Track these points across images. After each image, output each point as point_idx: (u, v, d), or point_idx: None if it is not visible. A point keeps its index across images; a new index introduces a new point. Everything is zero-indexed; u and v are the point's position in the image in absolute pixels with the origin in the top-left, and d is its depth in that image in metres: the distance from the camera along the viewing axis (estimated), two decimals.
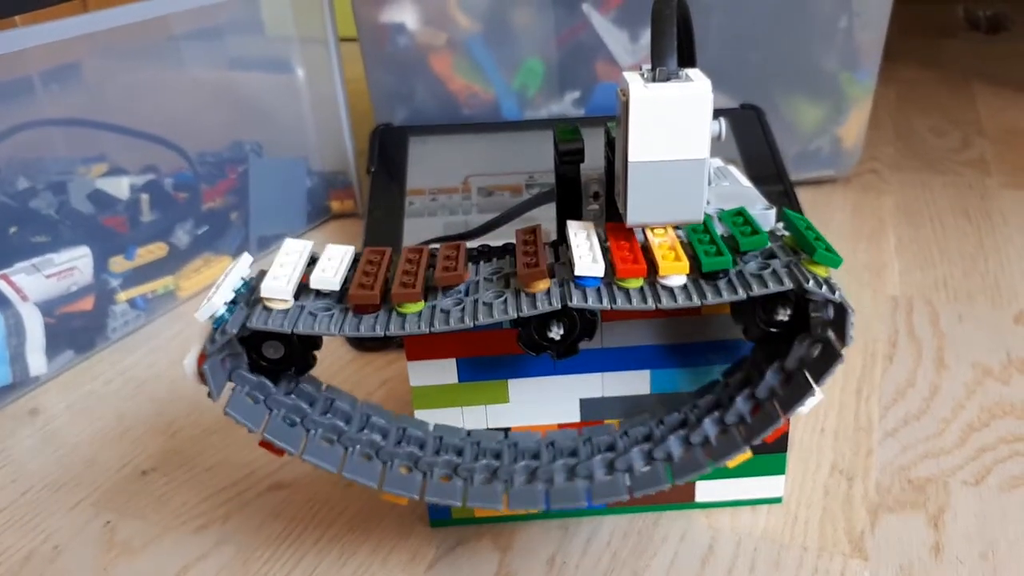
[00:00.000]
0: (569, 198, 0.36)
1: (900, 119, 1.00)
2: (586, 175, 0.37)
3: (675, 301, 0.32)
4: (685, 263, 0.32)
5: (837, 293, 0.32)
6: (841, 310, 0.33)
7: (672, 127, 0.31)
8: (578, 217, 0.37)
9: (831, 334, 0.34)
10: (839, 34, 0.74)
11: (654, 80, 0.31)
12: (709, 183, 0.37)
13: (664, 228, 0.34)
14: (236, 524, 0.44)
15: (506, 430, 0.40)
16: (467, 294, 0.33)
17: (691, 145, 0.31)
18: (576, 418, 0.40)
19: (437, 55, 0.75)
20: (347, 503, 0.45)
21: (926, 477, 0.44)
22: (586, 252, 0.33)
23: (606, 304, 0.32)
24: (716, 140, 0.34)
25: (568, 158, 0.35)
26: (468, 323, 0.32)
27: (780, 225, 0.37)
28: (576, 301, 0.32)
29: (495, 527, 0.42)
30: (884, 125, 0.97)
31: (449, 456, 0.37)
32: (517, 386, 0.39)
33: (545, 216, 0.48)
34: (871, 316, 0.59)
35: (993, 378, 0.52)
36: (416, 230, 0.66)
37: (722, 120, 0.33)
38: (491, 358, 0.39)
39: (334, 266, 0.34)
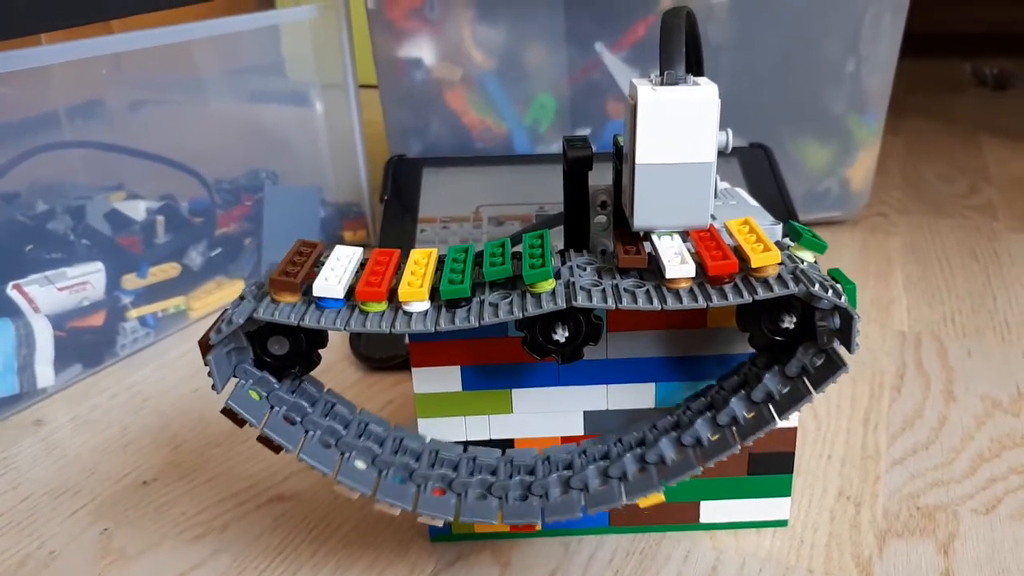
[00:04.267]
0: (576, 206, 0.37)
1: (908, 166, 1.01)
2: (594, 186, 0.38)
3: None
4: (424, 291, 0.33)
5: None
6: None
7: (679, 130, 0.31)
8: (586, 226, 0.38)
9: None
10: (847, 77, 0.75)
11: (662, 84, 0.31)
12: (716, 196, 0.37)
13: (427, 253, 0.35)
14: (234, 534, 0.43)
15: (508, 442, 0.40)
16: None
17: (698, 149, 0.32)
18: (580, 431, 0.40)
19: (452, 90, 0.77)
20: (347, 516, 0.44)
21: (935, 505, 0.43)
22: (334, 275, 0.33)
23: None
24: (723, 151, 0.34)
25: (576, 166, 0.36)
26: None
27: (787, 240, 0.37)
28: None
29: (495, 543, 0.42)
30: (892, 172, 0.98)
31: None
32: (521, 396, 0.39)
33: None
34: (878, 350, 0.59)
35: (1003, 410, 0.51)
36: None
37: (728, 131, 0.34)
38: (496, 367, 0.39)
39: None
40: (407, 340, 0.38)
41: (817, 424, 0.50)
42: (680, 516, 0.42)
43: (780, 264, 0.33)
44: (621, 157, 0.36)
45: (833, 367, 0.33)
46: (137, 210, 0.66)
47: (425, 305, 0.33)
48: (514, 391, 0.39)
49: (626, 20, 0.73)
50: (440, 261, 0.36)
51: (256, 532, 0.43)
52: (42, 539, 0.44)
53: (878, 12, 0.73)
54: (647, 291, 0.32)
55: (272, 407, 0.34)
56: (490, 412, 0.40)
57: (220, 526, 0.44)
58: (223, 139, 0.76)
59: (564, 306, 0.32)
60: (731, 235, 0.34)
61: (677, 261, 0.32)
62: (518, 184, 0.73)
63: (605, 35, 0.74)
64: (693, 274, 0.32)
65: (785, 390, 0.34)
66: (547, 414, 0.40)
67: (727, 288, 0.32)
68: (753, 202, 0.43)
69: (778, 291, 0.31)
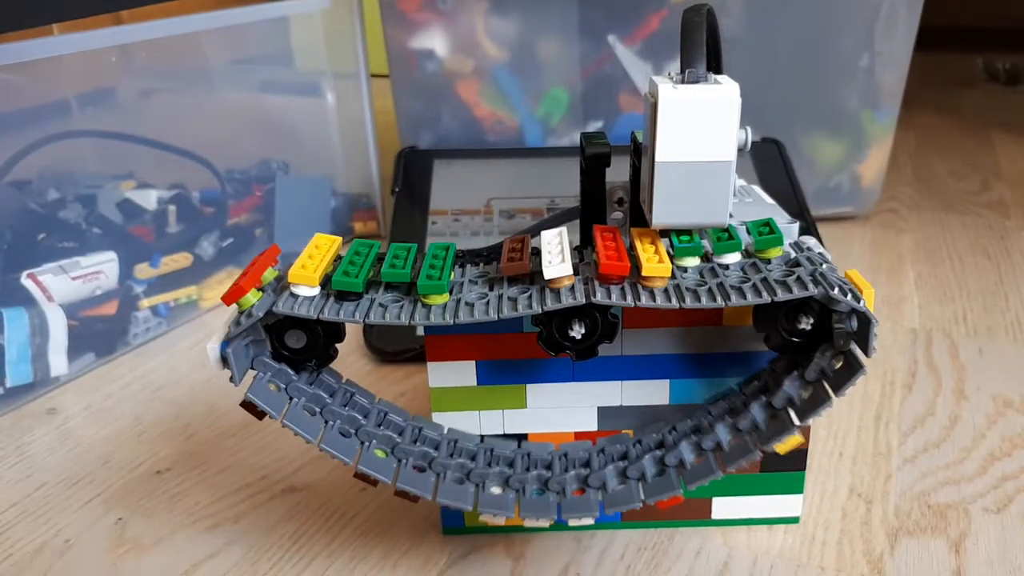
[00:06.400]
0: (594, 202, 0.37)
1: (919, 162, 1.00)
2: (611, 183, 0.38)
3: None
4: (315, 276, 0.33)
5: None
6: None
7: (699, 128, 0.31)
8: (603, 223, 0.38)
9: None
10: (860, 72, 0.75)
11: (683, 83, 0.31)
12: (734, 194, 0.37)
13: (331, 240, 0.35)
14: (247, 525, 0.44)
15: (522, 437, 0.40)
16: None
17: (718, 147, 0.32)
18: (593, 427, 0.40)
19: (464, 82, 0.76)
20: (360, 508, 0.44)
21: (946, 503, 0.44)
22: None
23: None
24: (742, 149, 0.34)
25: (594, 162, 0.36)
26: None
27: (804, 238, 0.37)
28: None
29: (508, 536, 0.42)
30: (903, 168, 0.98)
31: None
32: (535, 391, 0.39)
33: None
34: (890, 347, 0.59)
35: (1014, 410, 0.51)
36: None
37: (748, 128, 0.34)
38: (511, 362, 0.39)
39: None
40: (421, 333, 0.38)
41: (829, 421, 0.51)
42: (692, 512, 0.42)
43: (670, 278, 0.33)
44: (639, 153, 0.36)
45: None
46: (148, 199, 0.66)
47: (314, 291, 0.33)
48: (528, 386, 0.39)
49: (639, 13, 0.73)
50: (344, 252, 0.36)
51: (270, 522, 0.44)
52: (57, 527, 0.44)
53: (893, 7, 0.73)
54: (529, 295, 0.33)
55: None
56: (504, 407, 0.40)
57: (234, 516, 0.44)
58: (234, 129, 0.76)
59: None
60: (632, 242, 0.34)
61: (558, 260, 0.33)
62: (529, 177, 0.73)
63: (618, 28, 0.74)
64: (570, 272, 0.32)
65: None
66: (561, 409, 0.40)
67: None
68: (769, 200, 0.43)
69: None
